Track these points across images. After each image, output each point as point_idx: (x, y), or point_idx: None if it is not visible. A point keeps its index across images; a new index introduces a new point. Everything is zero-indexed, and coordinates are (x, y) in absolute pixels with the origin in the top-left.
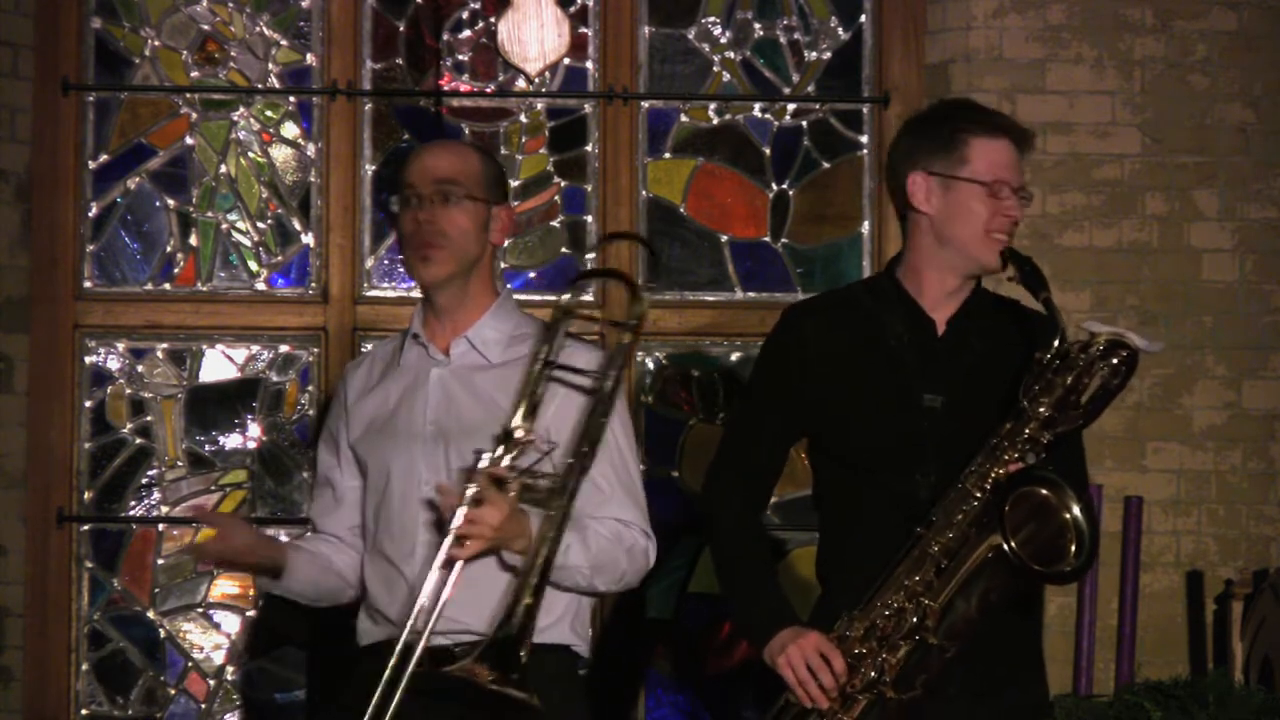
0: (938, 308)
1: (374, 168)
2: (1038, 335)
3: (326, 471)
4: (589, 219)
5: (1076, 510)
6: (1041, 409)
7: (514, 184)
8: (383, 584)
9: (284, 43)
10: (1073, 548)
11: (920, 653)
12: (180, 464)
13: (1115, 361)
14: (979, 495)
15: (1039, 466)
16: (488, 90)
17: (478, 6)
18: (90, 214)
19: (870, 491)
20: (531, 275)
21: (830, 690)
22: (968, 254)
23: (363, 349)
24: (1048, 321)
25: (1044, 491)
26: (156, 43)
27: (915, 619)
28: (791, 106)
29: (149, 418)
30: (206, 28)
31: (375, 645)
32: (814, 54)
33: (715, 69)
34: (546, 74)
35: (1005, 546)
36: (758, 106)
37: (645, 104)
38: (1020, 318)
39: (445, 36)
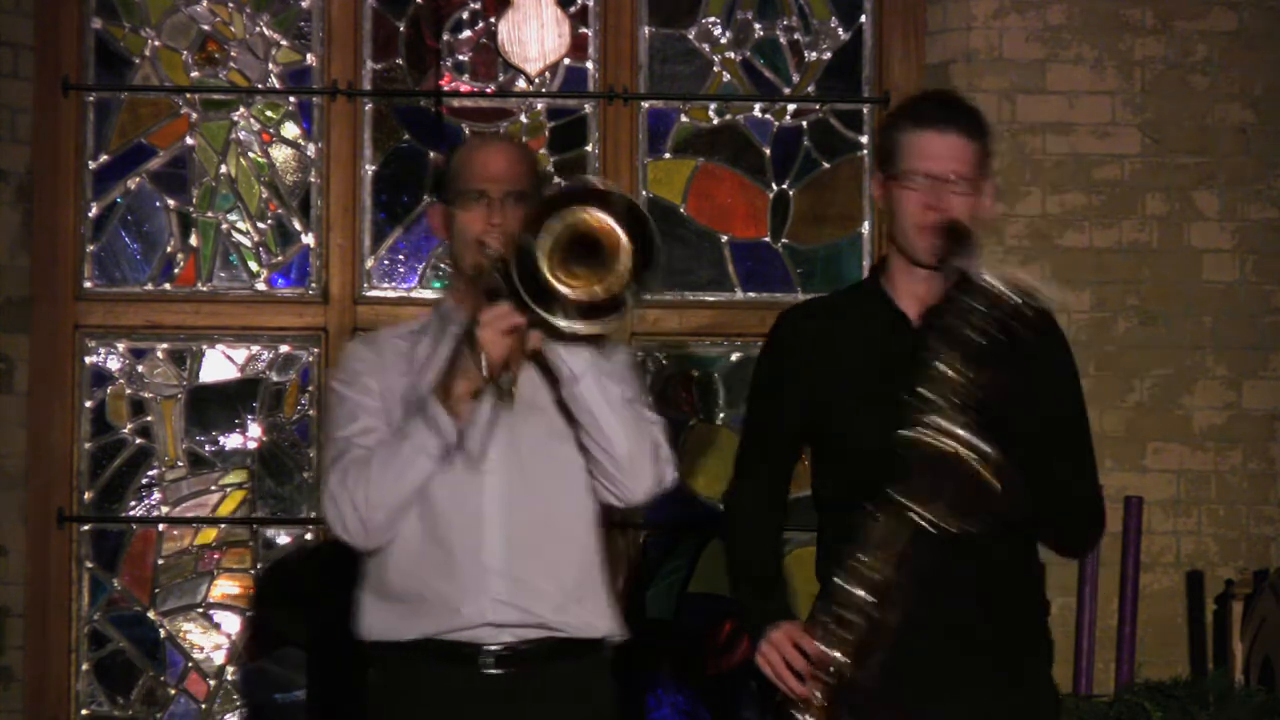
0: (912, 304)
1: (374, 168)
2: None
3: (372, 417)
4: None
5: (978, 447)
6: (950, 369)
7: None
8: (435, 571)
9: (284, 43)
10: (994, 483)
11: (871, 630)
12: (180, 464)
13: (1025, 315)
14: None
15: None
16: (488, 90)
17: (478, 6)
18: (90, 214)
19: (860, 494)
20: None
21: (804, 672)
22: (908, 250)
23: None
24: (970, 288)
25: (946, 443)
26: (157, 43)
27: (864, 597)
28: (791, 107)
29: (149, 418)
30: (207, 28)
31: (420, 642)
32: (814, 54)
33: (715, 69)
34: (547, 74)
35: (914, 514)
36: (758, 107)
37: (645, 104)
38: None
39: (445, 36)
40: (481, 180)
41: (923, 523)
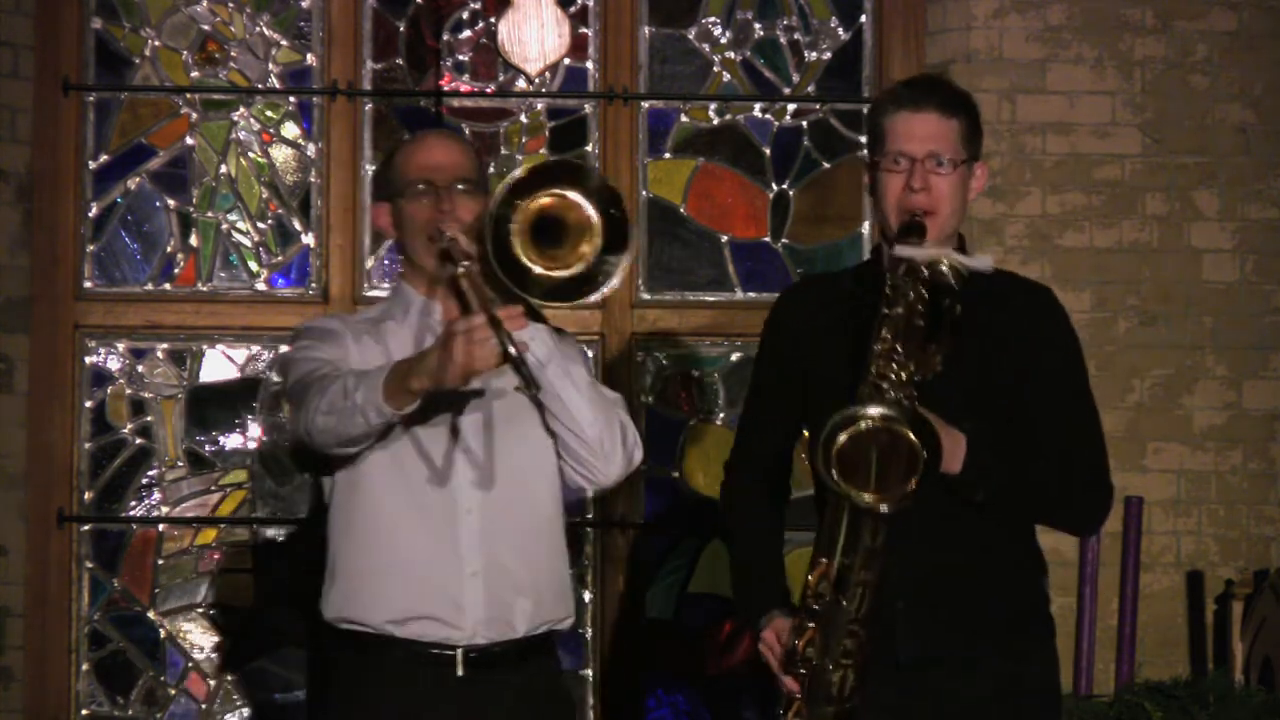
0: None
1: (374, 168)
2: (1017, 298)
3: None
4: None
5: (905, 426)
6: (884, 345)
7: None
8: (426, 554)
9: (284, 43)
10: (920, 454)
11: (834, 621)
12: (180, 464)
13: (945, 283)
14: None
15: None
16: (488, 90)
17: (478, 6)
18: (90, 214)
19: None
20: None
21: (779, 668)
22: (888, 232)
23: None
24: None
25: (865, 423)
26: (157, 43)
27: (819, 588)
28: (791, 106)
29: (149, 418)
30: (207, 28)
31: (389, 639)
32: (814, 54)
33: (715, 69)
34: (547, 74)
35: (848, 495)
36: (758, 107)
37: (645, 104)
38: (999, 280)
39: (445, 36)
40: (426, 171)
41: (857, 504)
